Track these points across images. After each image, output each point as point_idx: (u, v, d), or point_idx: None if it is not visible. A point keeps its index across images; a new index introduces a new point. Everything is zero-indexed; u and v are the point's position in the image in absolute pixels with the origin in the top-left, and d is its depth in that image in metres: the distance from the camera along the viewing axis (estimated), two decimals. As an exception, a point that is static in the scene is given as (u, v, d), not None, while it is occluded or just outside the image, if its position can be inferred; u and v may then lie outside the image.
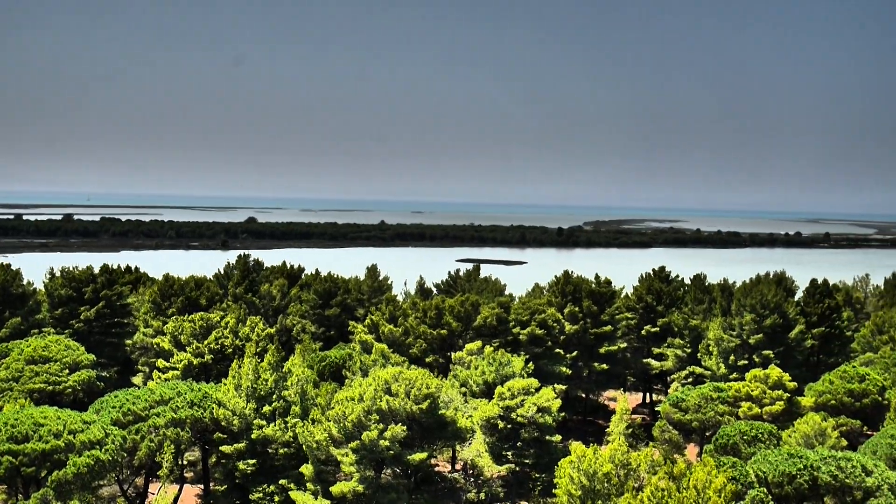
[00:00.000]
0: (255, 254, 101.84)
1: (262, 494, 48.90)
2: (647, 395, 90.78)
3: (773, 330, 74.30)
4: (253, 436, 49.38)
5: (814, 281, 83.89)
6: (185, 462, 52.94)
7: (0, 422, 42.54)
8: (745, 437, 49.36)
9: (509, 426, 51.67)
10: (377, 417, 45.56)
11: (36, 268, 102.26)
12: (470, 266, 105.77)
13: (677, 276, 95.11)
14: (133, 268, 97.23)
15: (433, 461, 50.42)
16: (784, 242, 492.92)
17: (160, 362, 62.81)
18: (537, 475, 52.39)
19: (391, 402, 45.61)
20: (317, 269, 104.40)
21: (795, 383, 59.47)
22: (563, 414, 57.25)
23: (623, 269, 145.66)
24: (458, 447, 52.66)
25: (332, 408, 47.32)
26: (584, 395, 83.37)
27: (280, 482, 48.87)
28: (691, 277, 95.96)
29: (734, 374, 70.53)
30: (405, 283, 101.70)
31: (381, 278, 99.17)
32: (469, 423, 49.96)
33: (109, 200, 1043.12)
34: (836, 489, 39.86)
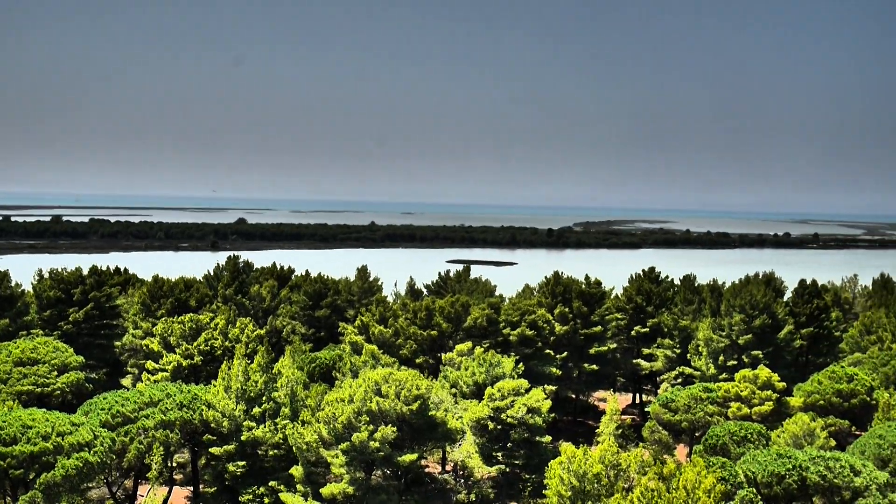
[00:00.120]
0: (244, 255, 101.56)
1: (251, 496, 48.84)
2: (637, 395, 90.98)
3: (762, 330, 74.61)
4: (243, 437, 49.32)
5: (802, 281, 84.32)
6: (174, 464, 52.83)
7: (-12, 424, 42.33)
8: (734, 438, 49.52)
9: (499, 427, 51.73)
10: (367, 419, 45.54)
11: (24, 269, 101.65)
12: (460, 267, 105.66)
13: (667, 276, 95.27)
14: (122, 269, 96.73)
15: (423, 462, 50.40)
16: (773, 243, 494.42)
17: (149, 364, 62.59)
18: (527, 476, 52.45)
19: (381, 403, 45.59)
20: (307, 271, 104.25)
21: (784, 384, 59.66)
22: (552, 415, 57.39)
23: (613, 270, 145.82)
24: (448, 448, 52.65)
25: (322, 409, 47.32)
26: (574, 396, 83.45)
27: (270, 484, 48.83)
28: (681, 278, 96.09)
29: (723, 375, 70.67)
30: (395, 284, 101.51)
31: (371, 279, 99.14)
32: (459, 425, 49.98)
33: (99, 202, 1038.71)
34: (825, 489, 40.04)
